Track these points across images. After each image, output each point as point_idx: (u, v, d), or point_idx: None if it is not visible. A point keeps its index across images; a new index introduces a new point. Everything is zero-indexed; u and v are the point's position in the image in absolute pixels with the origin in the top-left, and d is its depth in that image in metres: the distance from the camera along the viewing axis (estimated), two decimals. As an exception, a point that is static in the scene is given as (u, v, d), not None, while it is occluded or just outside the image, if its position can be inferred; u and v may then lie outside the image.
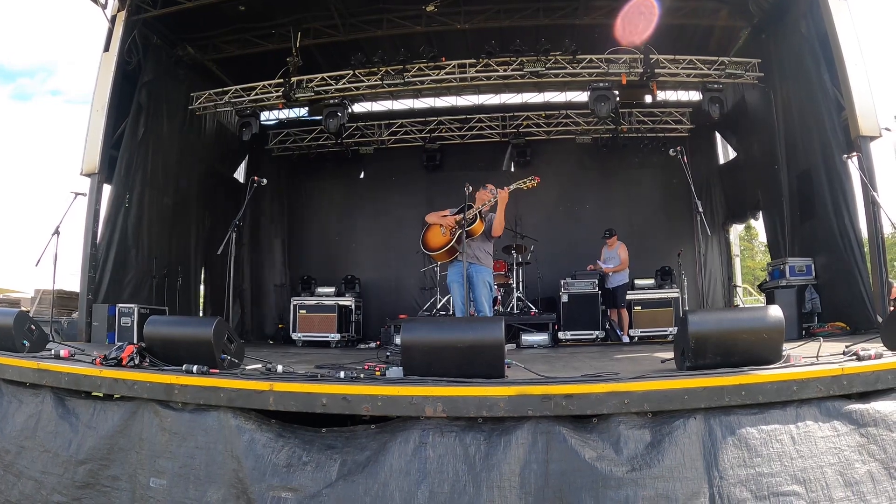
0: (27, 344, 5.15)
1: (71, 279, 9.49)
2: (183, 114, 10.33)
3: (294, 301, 9.98)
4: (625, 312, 9.42)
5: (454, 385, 3.46)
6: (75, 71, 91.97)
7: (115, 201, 8.75)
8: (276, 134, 12.36)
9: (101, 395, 4.29)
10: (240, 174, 12.39)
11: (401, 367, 4.02)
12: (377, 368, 4.21)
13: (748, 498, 2.88)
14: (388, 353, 5.61)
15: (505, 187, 5.42)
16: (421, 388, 3.43)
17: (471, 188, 5.43)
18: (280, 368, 4.21)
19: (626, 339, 9.22)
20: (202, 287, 11.12)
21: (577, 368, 4.59)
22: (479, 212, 5.42)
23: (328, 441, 3.56)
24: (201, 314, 10.95)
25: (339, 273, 11.27)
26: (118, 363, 4.34)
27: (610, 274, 9.59)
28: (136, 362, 4.36)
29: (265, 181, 6.26)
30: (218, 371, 4.10)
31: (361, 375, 3.93)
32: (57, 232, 6.79)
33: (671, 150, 5.70)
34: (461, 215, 5.40)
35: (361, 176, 12.65)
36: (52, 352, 4.97)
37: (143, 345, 4.54)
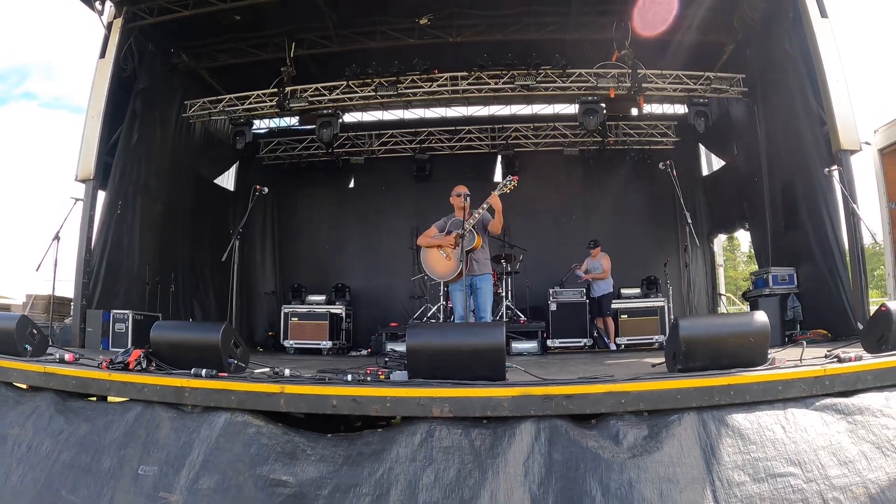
0: (29, 348, 5.20)
1: (61, 285, 9.54)
2: (176, 121, 10.44)
3: (286, 309, 10.10)
4: (610, 321, 9.66)
5: (459, 387, 3.66)
6: (49, 75, 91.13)
7: (109, 208, 8.82)
8: (268, 143, 12.51)
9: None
10: (229, 181, 12.53)
11: (404, 371, 4.23)
12: (380, 372, 4.39)
13: (747, 480, 3.12)
14: (386, 359, 5.80)
15: (493, 193, 5.55)
16: (428, 390, 3.62)
17: (465, 196, 5.61)
18: (287, 372, 4.39)
19: (612, 347, 9.46)
20: (192, 293, 11.16)
21: (573, 372, 4.81)
22: (473, 226, 5.58)
23: (333, 441, 3.72)
24: (191, 320, 11.02)
25: (328, 281, 11.40)
26: (125, 367, 4.45)
27: (593, 282, 9.84)
28: (143, 366, 4.47)
29: (266, 190, 6.42)
30: (226, 374, 4.22)
31: (368, 378, 4.10)
32: (57, 237, 6.97)
33: (661, 164, 5.98)
34: (455, 233, 5.60)
35: (351, 185, 12.83)
36: (57, 356, 5.01)
37: (149, 349, 4.64)
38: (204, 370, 4.13)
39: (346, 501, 3.34)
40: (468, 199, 5.54)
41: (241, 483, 3.54)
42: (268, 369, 4.59)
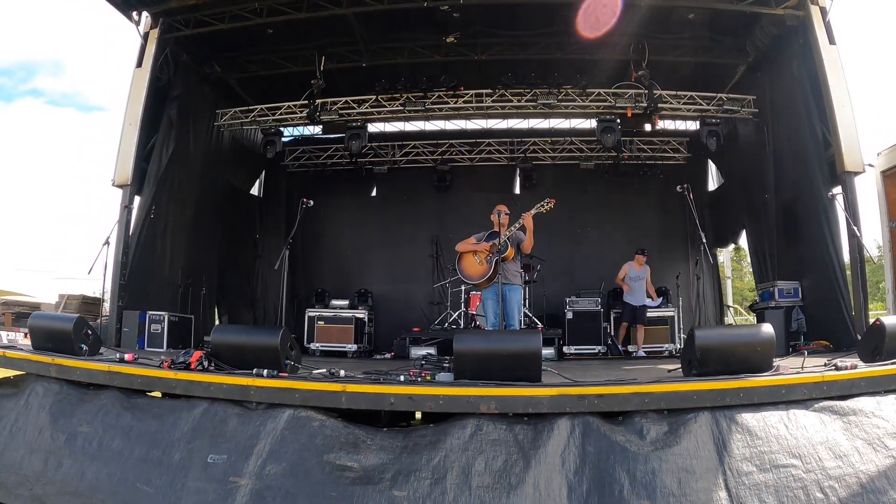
0: (85, 347, 5.61)
1: (87, 284, 10.08)
2: (206, 129, 10.95)
3: (311, 312, 10.61)
4: (642, 329, 10.04)
5: (503, 386, 4.19)
6: (57, 72, 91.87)
7: (143, 212, 9.25)
8: (293, 150, 13.00)
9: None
10: (255, 188, 13.10)
11: (448, 373, 4.82)
12: (423, 374, 4.97)
13: (754, 470, 3.69)
14: (422, 362, 6.38)
15: (527, 213, 6.23)
16: (477, 389, 4.15)
17: (503, 213, 6.25)
18: (343, 373, 4.95)
19: (642, 354, 9.84)
20: (220, 296, 11.77)
21: (596, 375, 5.41)
22: (508, 238, 6.23)
23: (389, 434, 4.22)
24: (216, 323, 11.60)
25: (350, 286, 11.90)
26: (187, 366, 4.93)
27: (636, 291, 10.02)
28: (205, 366, 4.94)
29: (312, 202, 6.98)
30: (287, 374, 4.70)
31: (418, 379, 4.68)
32: (107, 242, 7.53)
33: (678, 186, 6.58)
34: (492, 243, 6.26)
35: (374, 193, 13.36)
36: (117, 356, 5.45)
37: (209, 349, 5.13)
38: (266, 370, 4.59)
39: (407, 483, 3.85)
40: (506, 216, 6.23)
41: (309, 469, 4.03)
42: (324, 370, 5.13)
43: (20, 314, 10.83)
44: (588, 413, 4.02)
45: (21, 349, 5.80)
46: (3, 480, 4.67)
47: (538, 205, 6.20)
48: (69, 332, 5.55)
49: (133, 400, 4.76)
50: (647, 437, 3.92)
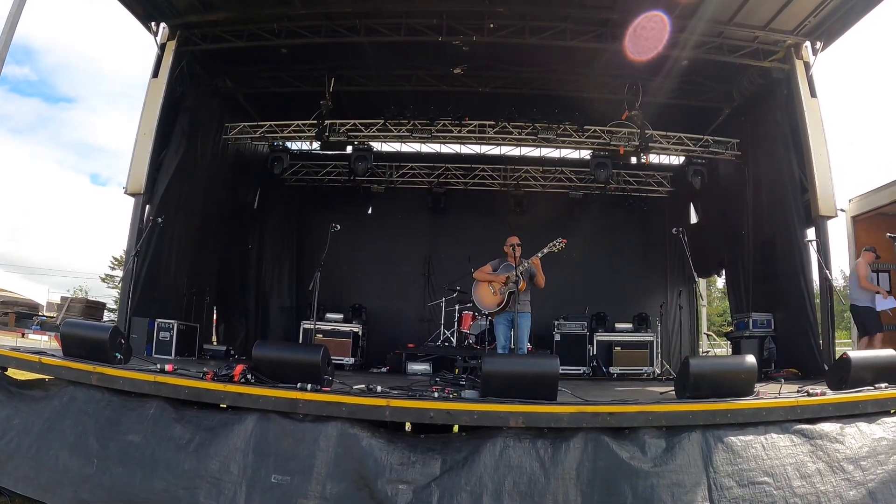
0: (119, 356, 5.88)
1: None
2: (212, 141, 11.48)
3: (307, 325, 11.01)
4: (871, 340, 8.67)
5: (527, 404, 4.96)
6: (23, 60, 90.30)
7: (152, 221, 9.50)
8: (291, 165, 13.32)
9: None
10: (253, 199, 13.58)
11: (472, 390, 5.63)
12: (447, 390, 5.76)
13: (734, 486, 4.51)
14: (437, 379, 7.19)
15: (538, 254, 7.11)
16: (506, 406, 4.91)
17: (516, 247, 7.11)
18: (379, 388, 5.65)
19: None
20: (220, 306, 12.37)
21: (598, 395, 6.18)
22: (521, 273, 7.06)
23: (428, 444, 4.89)
24: (214, 334, 12.24)
25: (344, 301, 12.46)
26: (230, 379, 5.34)
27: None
28: (248, 379, 5.35)
29: (339, 227, 7.72)
30: (329, 389, 5.30)
31: (451, 397, 5.43)
32: (136, 254, 8.20)
33: (673, 229, 7.52)
34: (507, 275, 7.12)
35: (370, 211, 14.02)
36: (157, 366, 5.84)
37: (251, 364, 5.53)
38: (309, 385, 5.13)
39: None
40: (517, 248, 7.09)
41: (367, 491, 4.56)
42: (363, 386, 5.81)
43: (21, 314, 11.22)
44: (600, 429, 4.80)
45: (55, 356, 5.98)
46: (35, 477, 5.01)
47: (550, 243, 7.07)
48: (105, 341, 5.85)
49: (182, 412, 5.11)
50: (648, 454, 4.67)
